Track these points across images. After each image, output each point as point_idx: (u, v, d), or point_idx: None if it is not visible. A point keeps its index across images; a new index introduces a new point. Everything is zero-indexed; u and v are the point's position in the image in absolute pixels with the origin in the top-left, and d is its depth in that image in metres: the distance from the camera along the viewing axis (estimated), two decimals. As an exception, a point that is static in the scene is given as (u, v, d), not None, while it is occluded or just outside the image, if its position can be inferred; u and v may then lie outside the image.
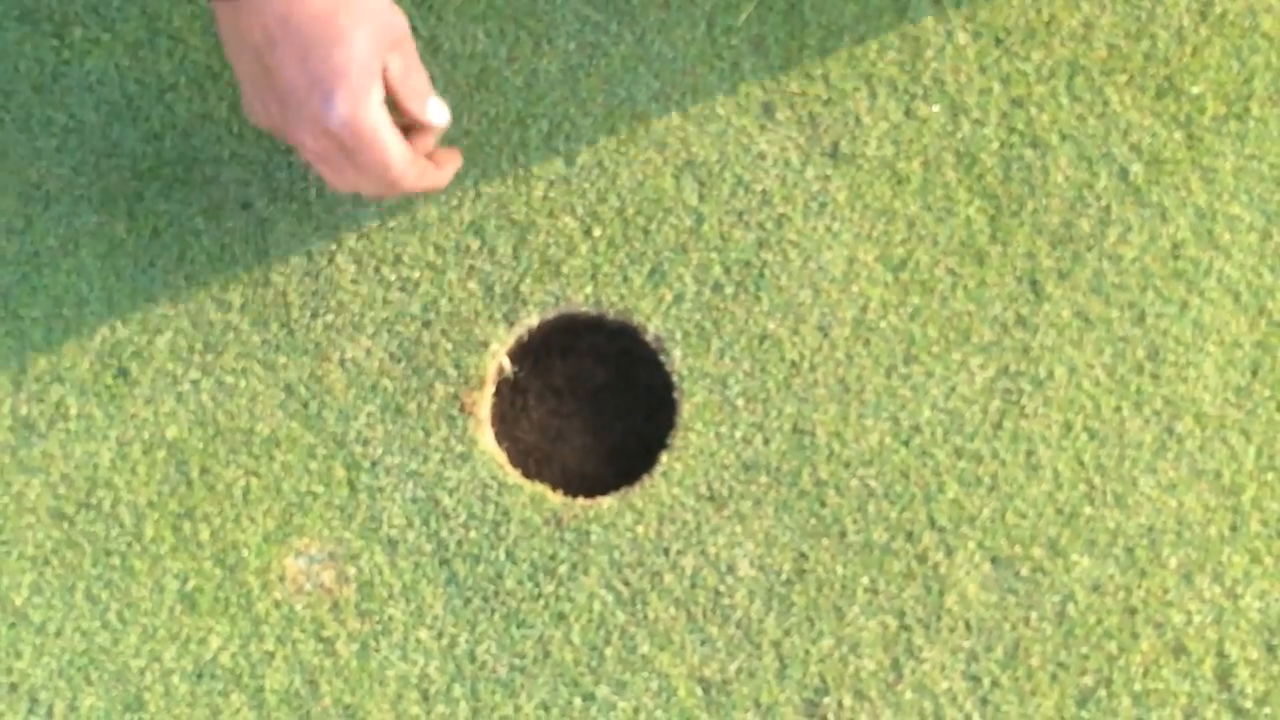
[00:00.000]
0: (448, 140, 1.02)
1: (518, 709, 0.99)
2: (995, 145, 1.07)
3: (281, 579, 1.00)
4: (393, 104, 0.90)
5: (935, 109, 1.06)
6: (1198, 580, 1.02)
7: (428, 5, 1.08)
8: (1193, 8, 1.09)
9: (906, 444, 1.03)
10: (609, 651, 1.00)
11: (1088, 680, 1.00)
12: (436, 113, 0.93)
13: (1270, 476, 1.03)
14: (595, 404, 1.08)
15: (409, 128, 0.92)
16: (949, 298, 1.05)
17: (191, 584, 1.00)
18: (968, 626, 1.01)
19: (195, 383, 1.02)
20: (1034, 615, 1.01)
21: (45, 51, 1.06)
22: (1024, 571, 1.01)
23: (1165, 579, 1.01)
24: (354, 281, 1.04)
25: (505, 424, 1.06)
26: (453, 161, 0.98)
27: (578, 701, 0.99)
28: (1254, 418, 1.03)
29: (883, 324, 1.04)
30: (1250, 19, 1.09)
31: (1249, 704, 1.00)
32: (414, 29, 0.96)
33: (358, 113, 0.87)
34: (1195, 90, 1.08)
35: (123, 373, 1.02)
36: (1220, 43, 1.08)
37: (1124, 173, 1.06)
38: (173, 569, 1.00)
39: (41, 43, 1.06)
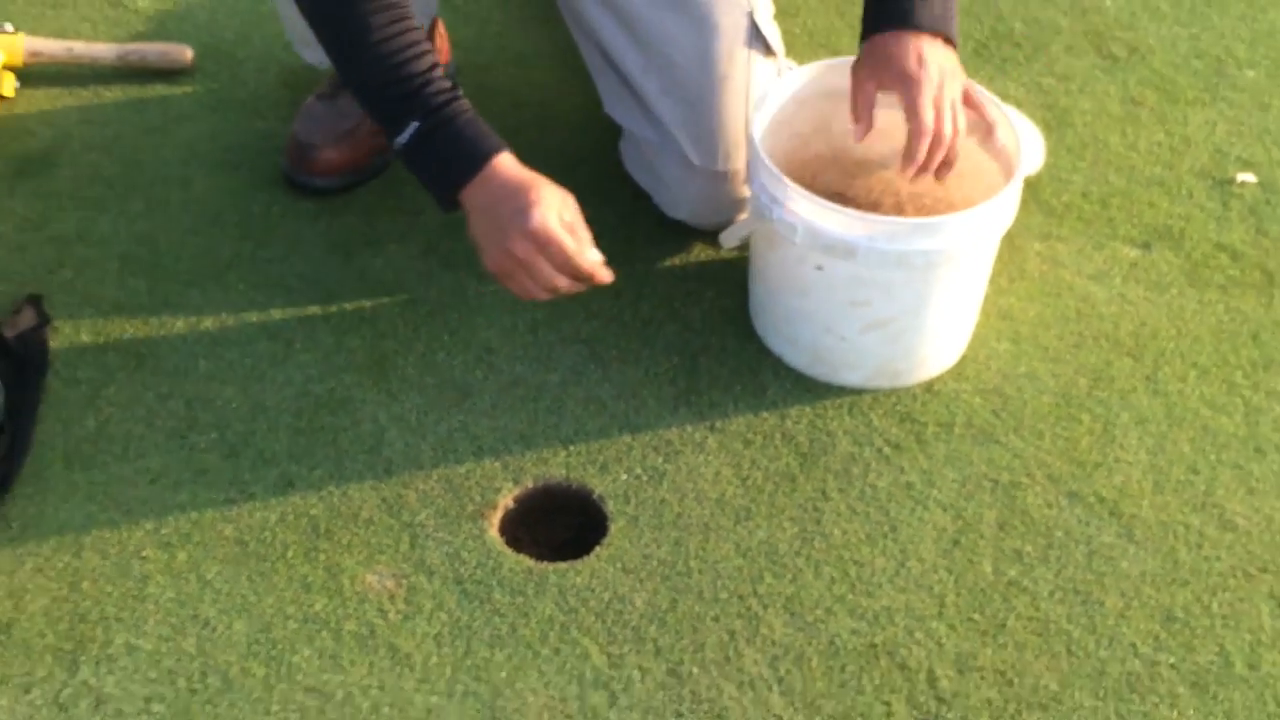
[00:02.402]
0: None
1: (487, 664, 1.63)
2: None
3: (364, 582, 1.69)
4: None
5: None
6: None
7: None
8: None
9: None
10: (552, 635, 1.65)
11: None
12: (593, 252, 1.71)
13: None
14: (560, 552, 1.79)
15: None
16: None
17: (312, 581, 1.69)
18: None
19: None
20: None
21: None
22: None
23: None
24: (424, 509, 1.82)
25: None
26: (610, 274, 1.73)
27: (535, 674, 1.63)
28: None
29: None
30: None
31: None
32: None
33: (546, 221, 1.65)
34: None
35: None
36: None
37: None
38: (301, 573, 1.69)
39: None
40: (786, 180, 1.78)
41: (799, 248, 1.79)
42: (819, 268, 1.82)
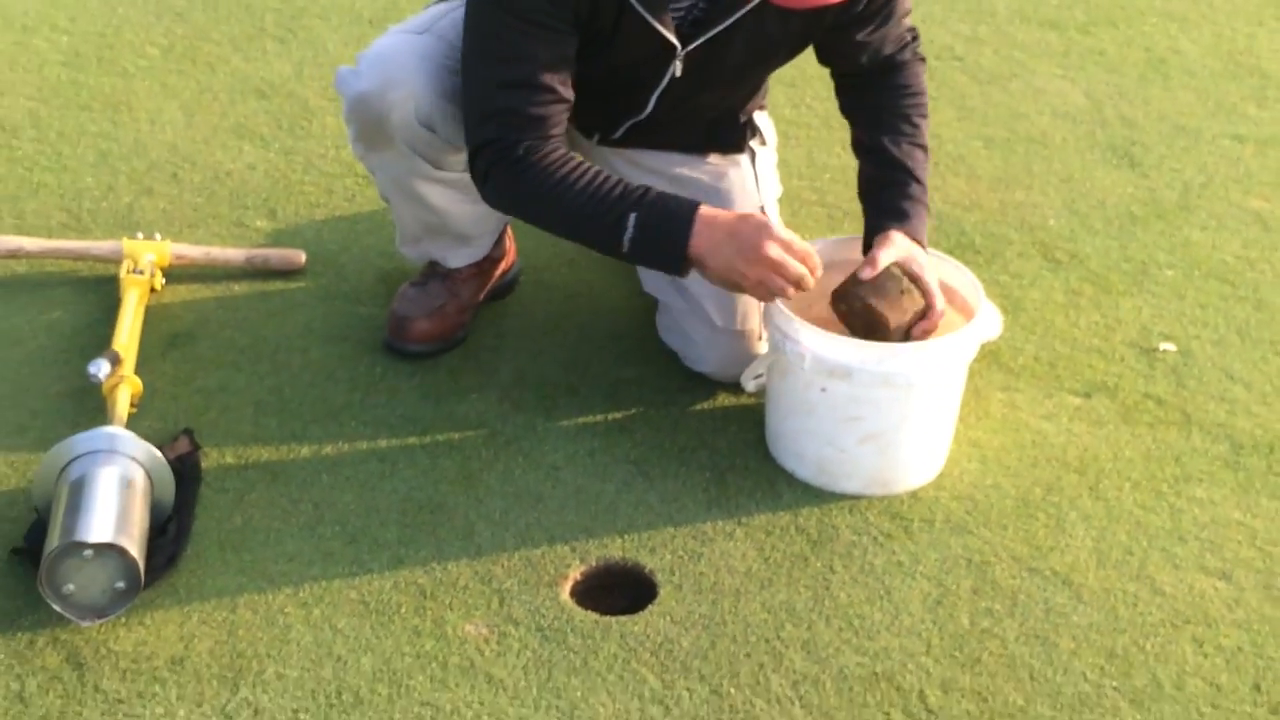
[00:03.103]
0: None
1: (565, 686, 2.04)
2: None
3: (464, 630, 2.11)
4: None
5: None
6: None
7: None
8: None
9: (767, 611, 2.16)
10: (617, 665, 2.06)
11: None
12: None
13: None
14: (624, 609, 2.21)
15: None
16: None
17: (422, 629, 2.11)
18: None
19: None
20: None
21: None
22: None
23: None
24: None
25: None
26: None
27: (604, 693, 2.04)
28: None
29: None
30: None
31: None
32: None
33: (782, 227, 2.21)
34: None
35: None
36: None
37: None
38: (413, 623, 2.11)
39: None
40: (796, 318, 2.27)
41: (807, 373, 2.27)
42: (823, 389, 2.29)
